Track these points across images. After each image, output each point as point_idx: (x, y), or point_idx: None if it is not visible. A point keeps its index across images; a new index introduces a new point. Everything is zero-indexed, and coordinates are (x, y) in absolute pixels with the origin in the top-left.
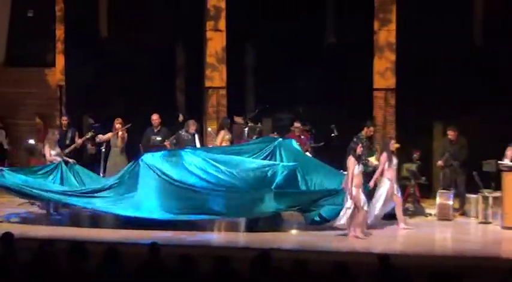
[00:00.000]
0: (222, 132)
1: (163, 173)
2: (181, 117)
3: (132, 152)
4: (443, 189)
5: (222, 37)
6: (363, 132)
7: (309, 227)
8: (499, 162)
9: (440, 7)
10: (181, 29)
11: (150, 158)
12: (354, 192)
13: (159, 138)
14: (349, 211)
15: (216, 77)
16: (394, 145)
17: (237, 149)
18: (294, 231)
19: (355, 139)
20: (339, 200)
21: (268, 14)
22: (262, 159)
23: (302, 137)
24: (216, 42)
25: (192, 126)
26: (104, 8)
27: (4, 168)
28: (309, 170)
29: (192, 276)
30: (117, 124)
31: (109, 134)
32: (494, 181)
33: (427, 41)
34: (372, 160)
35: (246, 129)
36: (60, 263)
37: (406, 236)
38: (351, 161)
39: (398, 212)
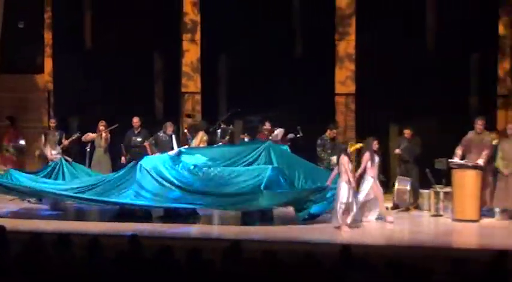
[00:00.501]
0: (200, 133)
1: (160, 176)
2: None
3: (115, 151)
4: (401, 175)
5: (197, 49)
6: (327, 134)
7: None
8: (450, 160)
9: (395, 18)
10: (160, 40)
11: (148, 161)
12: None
13: (139, 139)
14: (343, 206)
15: (191, 85)
16: (375, 145)
17: (231, 150)
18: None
19: (319, 140)
20: (327, 195)
21: (240, 26)
22: (254, 159)
23: (270, 137)
24: (191, 53)
25: (169, 127)
26: (89, 19)
27: (10, 170)
28: (296, 169)
29: (169, 266)
30: (101, 126)
31: (94, 135)
32: (445, 178)
33: (384, 50)
34: (334, 159)
35: (219, 131)
36: (48, 254)
37: (368, 228)
38: (344, 159)
39: (382, 208)
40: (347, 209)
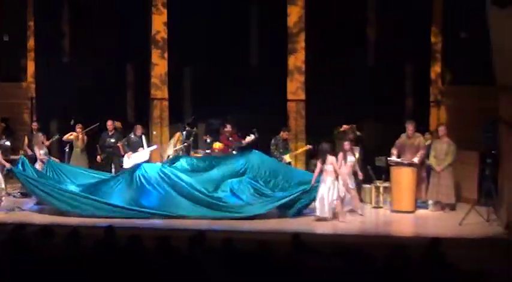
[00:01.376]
0: (177, 134)
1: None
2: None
3: (91, 151)
4: None
5: (165, 63)
6: (280, 135)
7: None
8: (388, 158)
9: (339, 33)
10: (132, 53)
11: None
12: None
13: (112, 140)
14: (338, 201)
15: (159, 94)
16: (347, 146)
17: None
18: None
19: (273, 140)
20: (312, 195)
21: (203, 42)
22: (242, 170)
23: (230, 138)
24: (160, 67)
25: (138, 130)
26: (68, 31)
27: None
28: (280, 174)
29: (139, 253)
30: (78, 129)
31: (71, 135)
32: (384, 174)
33: (330, 63)
34: (286, 158)
35: (184, 132)
36: (31, 243)
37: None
38: (332, 159)
39: (356, 202)
40: (341, 202)
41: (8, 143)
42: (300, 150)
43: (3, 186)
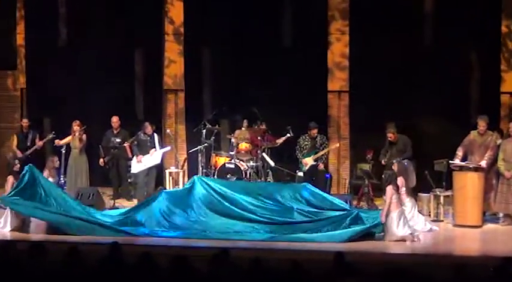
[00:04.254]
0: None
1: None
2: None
3: (92, 152)
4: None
5: (181, 48)
6: (308, 134)
7: None
8: (450, 162)
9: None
10: (140, 37)
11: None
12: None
13: (118, 140)
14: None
15: (174, 84)
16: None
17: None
18: None
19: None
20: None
21: (226, 20)
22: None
23: (259, 138)
24: (175, 52)
25: (148, 127)
26: (64, 16)
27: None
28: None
29: (152, 273)
30: (75, 126)
31: (68, 138)
32: (446, 180)
33: (379, 45)
34: (307, 160)
35: (204, 131)
36: (21, 261)
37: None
38: (389, 190)
39: None
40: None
41: None
42: (324, 151)
43: None
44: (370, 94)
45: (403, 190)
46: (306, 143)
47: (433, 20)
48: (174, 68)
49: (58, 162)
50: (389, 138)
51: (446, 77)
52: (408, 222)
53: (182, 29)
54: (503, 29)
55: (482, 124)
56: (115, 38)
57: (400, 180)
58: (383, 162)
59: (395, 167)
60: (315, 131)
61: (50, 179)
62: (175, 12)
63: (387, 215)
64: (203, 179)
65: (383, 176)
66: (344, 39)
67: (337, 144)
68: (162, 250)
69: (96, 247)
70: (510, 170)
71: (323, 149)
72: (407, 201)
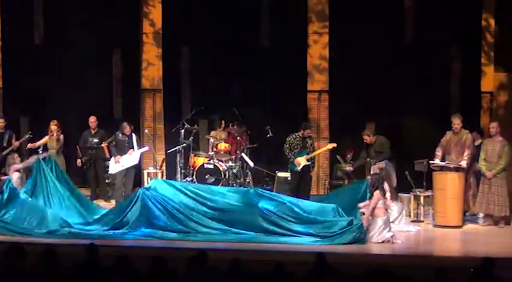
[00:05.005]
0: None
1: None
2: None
3: (70, 152)
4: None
5: (159, 47)
6: (300, 133)
7: None
8: (430, 162)
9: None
10: (117, 35)
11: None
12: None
13: (96, 140)
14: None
15: (152, 84)
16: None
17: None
18: None
19: (288, 138)
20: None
21: (204, 19)
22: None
23: (238, 138)
24: (153, 51)
25: (126, 127)
26: (40, 15)
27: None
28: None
29: (129, 275)
30: (53, 126)
31: (45, 138)
32: (426, 181)
33: (359, 45)
34: (300, 160)
35: (182, 131)
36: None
37: None
38: (376, 195)
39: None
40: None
41: None
42: (320, 150)
43: None
44: (350, 94)
45: (388, 195)
46: (298, 142)
47: (413, 18)
48: (152, 68)
49: (19, 158)
50: (365, 141)
51: (427, 76)
52: (391, 228)
53: (161, 29)
54: (483, 23)
55: (456, 122)
56: (93, 38)
57: (386, 185)
58: (352, 167)
59: (374, 170)
60: (308, 131)
61: (14, 176)
62: (155, 12)
63: (372, 218)
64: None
65: (369, 180)
66: (323, 40)
67: (334, 145)
68: (140, 251)
69: (73, 249)
70: (491, 170)
71: (313, 150)
72: (393, 205)
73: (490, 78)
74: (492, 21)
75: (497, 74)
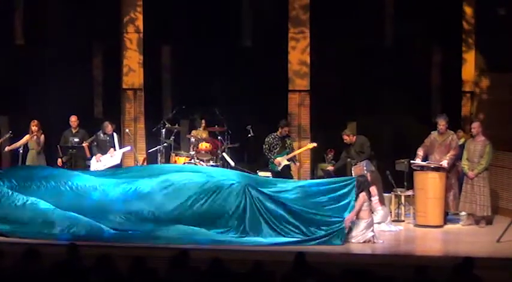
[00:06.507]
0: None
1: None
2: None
3: (50, 152)
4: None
5: (140, 45)
6: (278, 132)
7: None
8: (411, 161)
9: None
10: (97, 32)
11: None
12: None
13: (76, 140)
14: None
15: (133, 82)
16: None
17: None
18: None
19: (266, 138)
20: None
21: (185, 16)
22: None
23: (219, 137)
24: (134, 49)
25: (108, 127)
26: (21, 14)
27: None
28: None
29: (110, 274)
30: (33, 126)
31: (25, 138)
32: (407, 180)
33: (340, 44)
34: (280, 160)
35: (163, 130)
36: None
37: None
38: (361, 197)
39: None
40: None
41: None
42: (301, 150)
43: None
44: (331, 94)
45: (375, 199)
46: (277, 142)
47: (393, 17)
48: (133, 68)
49: None
50: (344, 140)
51: (407, 75)
52: (373, 228)
53: (142, 28)
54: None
55: (442, 123)
56: (74, 37)
57: (373, 190)
58: (333, 167)
59: (356, 171)
60: (286, 129)
61: None
62: (136, 11)
63: (355, 219)
64: None
65: (355, 182)
66: (305, 40)
67: (315, 144)
68: (120, 251)
69: (54, 248)
70: (473, 169)
71: (292, 149)
72: (380, 210)
73: (470, 65)
74: (469, 9)
75: (478, 58)
